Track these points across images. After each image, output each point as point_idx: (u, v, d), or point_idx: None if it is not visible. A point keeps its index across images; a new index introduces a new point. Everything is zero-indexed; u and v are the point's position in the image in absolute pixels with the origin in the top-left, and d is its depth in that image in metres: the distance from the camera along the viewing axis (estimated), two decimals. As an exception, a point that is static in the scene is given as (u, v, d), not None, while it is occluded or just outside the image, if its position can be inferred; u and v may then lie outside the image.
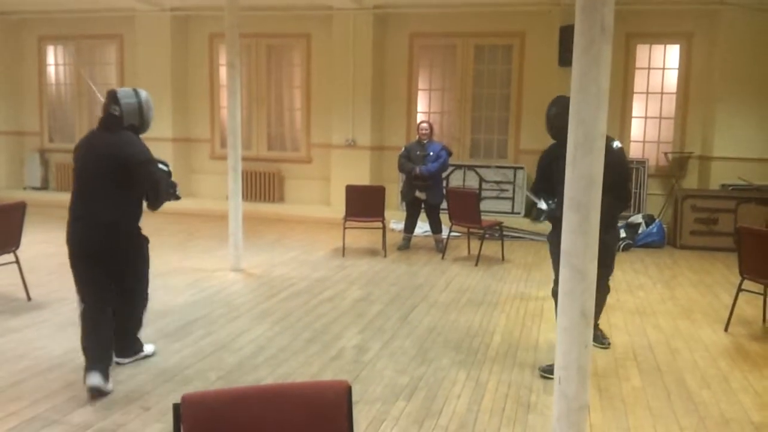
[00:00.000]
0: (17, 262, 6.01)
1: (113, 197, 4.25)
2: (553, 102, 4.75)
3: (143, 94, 4.44)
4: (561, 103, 4.50)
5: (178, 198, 4.58)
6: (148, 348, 4.77)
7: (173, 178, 4.57)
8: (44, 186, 12.63)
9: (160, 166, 4.44)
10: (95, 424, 3.71)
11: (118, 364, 4.52)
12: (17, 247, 5.99)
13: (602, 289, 4.89)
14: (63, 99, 12.82)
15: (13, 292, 6.18)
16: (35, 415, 3.80)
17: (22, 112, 12.84)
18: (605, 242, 4.70)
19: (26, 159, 12.68)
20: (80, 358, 4.63)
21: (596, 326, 5.15)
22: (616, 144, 4.79)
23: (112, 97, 4.35)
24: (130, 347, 4.64)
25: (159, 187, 4.34)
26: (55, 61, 12.78)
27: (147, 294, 4.67)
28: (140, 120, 4.40)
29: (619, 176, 4.63)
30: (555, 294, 4.65)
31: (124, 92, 4.39)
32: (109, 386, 4.13)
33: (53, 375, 4.38)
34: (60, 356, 4.71)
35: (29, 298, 6.02)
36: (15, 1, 11.32)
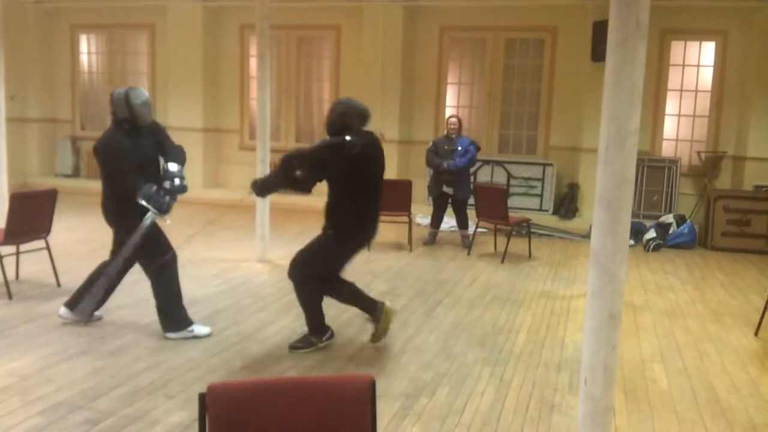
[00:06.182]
0: (48, 248, 6.09)
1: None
2: (340, 101, 4.88)
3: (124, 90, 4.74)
4: (348, 105, 4.74)
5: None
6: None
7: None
8: (75, 173, 12.78)
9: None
10: (120, 411, 3.75)
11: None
12: (48, 233, 6.06)
13: None
14: (95, 87, 12.96)
15: (44, 278, 6.27)
16: (62, 400, 3.85)
17: (55, 100, 12.98)
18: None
19: (58, 146, 12.84)
20: (106, 346, 4.71)
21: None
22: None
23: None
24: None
25: None
26: (87, 49, 12.92)
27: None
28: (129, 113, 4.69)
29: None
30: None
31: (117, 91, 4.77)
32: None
33: (80, 361, 4.43)
34: (87, 343, 4.77)
35: (59, 284, 6.09)
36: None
